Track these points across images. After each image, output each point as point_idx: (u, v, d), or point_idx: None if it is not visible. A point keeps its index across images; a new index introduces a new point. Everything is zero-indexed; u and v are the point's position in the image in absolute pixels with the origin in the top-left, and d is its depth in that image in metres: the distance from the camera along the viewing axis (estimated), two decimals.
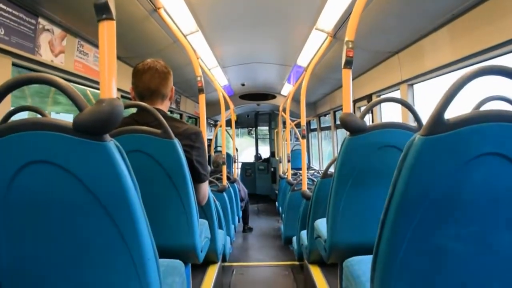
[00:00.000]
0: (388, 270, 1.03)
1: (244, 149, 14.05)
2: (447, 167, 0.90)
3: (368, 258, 1.30)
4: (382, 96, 3.83)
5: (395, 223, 0.97)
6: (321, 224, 2.12)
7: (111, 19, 0.99)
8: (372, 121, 4.06)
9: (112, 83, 0.98)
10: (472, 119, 0.88)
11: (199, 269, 2.96)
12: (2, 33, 1.85)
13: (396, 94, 3.43)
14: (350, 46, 1.72)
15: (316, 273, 2.96)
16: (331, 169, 2.63)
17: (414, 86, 3.16)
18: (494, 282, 0.98)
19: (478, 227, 0.94)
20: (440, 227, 0.95)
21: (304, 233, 3.12)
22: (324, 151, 7.65)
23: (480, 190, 0.91)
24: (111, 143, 0.91)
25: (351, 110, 1.73)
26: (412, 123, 1.81)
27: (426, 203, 0.93)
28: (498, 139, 0.88)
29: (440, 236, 0.96)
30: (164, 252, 1.40)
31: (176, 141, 1.56)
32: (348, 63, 1.73)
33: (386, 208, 1.00)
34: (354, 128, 1.59)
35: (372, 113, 4.02)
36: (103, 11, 0.98)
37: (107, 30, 0.99)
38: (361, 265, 1.45)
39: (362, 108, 4.44)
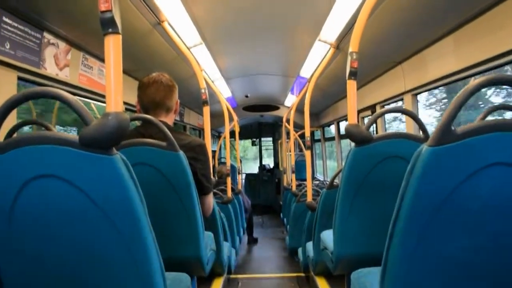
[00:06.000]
0: (397, 282, 1.02)
1: None
2: (455, 177, 0.89)
3: (377, 270, 1.29)
4: (387, 107, 3.83)
5: (404, 234, 0.97)
6: (328, 236, 2.11)
7: (117, 33, 1.00)
8: (376, 132, 4.05)
9: (118, 96, 0.98)
10: (480, 129, 0.87)
11: (204, 282, 2.93)
12: (8, 47, 1.87)
13: (400, 104, 3.43)
14: (355, 57, 1.72)
15: (322, 285, 2.93)
16: (336, 180, 2.62)
17: None
18: None
19: (489, 238, 0.93)
20: (450, 238, 0.94)
21: (310, 245, 3.10)
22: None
23: (490, 200, 0.90)
24: (117, 157, 0.90)
25: (356, 121, 1.73)
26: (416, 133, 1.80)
27: (435, 214, 0.92)
28: (506, 149, 0.88)
29: (450, 247, 0.95)
30: (170, 265, 1.39)
31: (182, 153, 1.56)
32: (353, 74, 1.74)
33: (395, 219, 0.99)
34: (360, 139, 1.59)
35: (376, 123, 4.01)
36: (109, 25, 0.98)
37: (113, 44, 0.99)
38: (369, 277, 1.44)
39: (366, 119, 4.43)
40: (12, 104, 0.92)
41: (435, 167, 0.90)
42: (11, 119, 1.89)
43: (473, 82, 0.88)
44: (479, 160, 0.88)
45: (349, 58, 1.74)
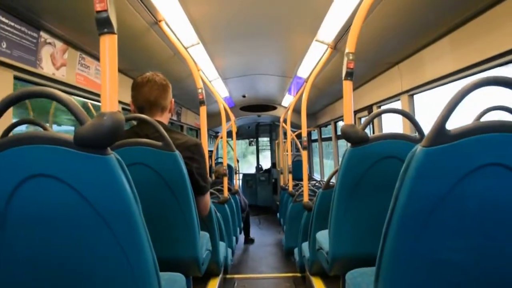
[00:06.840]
0: (391, 283, 1.02)
1: None
2: (450, 178, 0.90)
3: (371, 270, 1.29)
4: (383, 107, 3.84)
5: (397, 235, 0.97)
6: (323, 236, 2.11)
7: (113, 33, 1.00)
8: (373, 132, 4.05)
9: (113, 96, 0.98)
10: (474, 130, 0.88)
11: (200, 282, 2.93)
12: (4, 46, 1.86)
13: (397, 104, 3.43)
14: (351, 58, 1.72)
15: (318, 285, 2.93)
16: (333, 180, 2.62)
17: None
18: None
19: (482, 239, 0.93)
20: (443, 239, 0.95)
21: (305, 245, 3.10)
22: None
23: (483, 201, 0.91)
24: (112, 157, 0.90)
25: (352, 121, 1.73)
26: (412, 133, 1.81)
27: (429, 214, 0.92)
28: (500, 150, 0.88)
29: (444, 248, 0.95)
30: (165, 265, 1.39)
31: (178, 153, 1.56)
32: (349, 75, 1.74)
33: (388, 220, 0.99)
34: (356, 139, 1.59)
35: (372, 123, 4.01)
36: (104, 25, 0.98)
37: (108, 44, 0.99)
38: (364, 277, 1.44)
39: (363, 119, 4.44)
40: (7, 103, 0.91)
41: (429, 167, 0.90)
42: (7, 119, 1.88)
43: (468, 83, 0.88)
44: (473, 161, 0.88)
45: (345, 59, 1.74)
